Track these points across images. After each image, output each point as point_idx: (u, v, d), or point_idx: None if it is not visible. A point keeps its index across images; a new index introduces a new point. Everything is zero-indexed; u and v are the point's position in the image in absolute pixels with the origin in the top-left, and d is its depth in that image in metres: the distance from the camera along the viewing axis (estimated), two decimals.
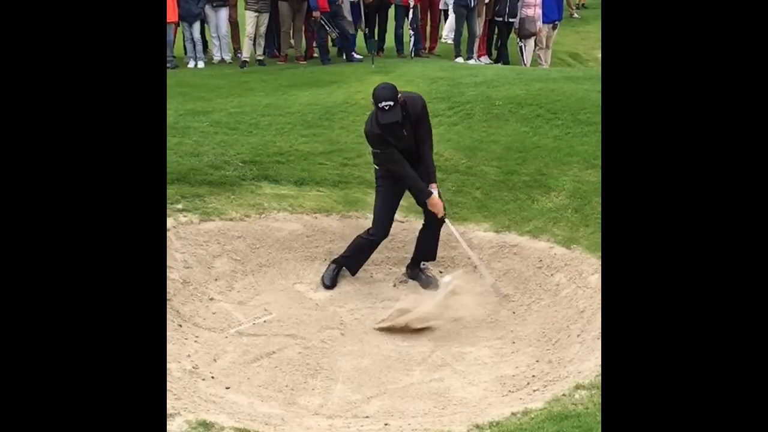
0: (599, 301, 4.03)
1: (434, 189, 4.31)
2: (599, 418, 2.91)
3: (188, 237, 4.61)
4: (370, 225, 4.55)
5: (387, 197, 4.45)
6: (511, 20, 9.96)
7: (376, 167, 4.42)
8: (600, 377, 3.29)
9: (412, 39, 9.81)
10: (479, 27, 10.00)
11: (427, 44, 10.48)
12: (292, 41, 9.87)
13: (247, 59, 9.30)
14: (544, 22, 10.19)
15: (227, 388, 3.55)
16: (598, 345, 3.64)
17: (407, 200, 4.67)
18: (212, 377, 3.63)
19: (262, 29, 9.28)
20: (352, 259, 4.64)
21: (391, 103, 4.01)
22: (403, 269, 4.76)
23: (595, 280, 4.25)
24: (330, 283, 4.60)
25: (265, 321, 4.22)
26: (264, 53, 9.48)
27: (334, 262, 4.67)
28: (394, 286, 4.69)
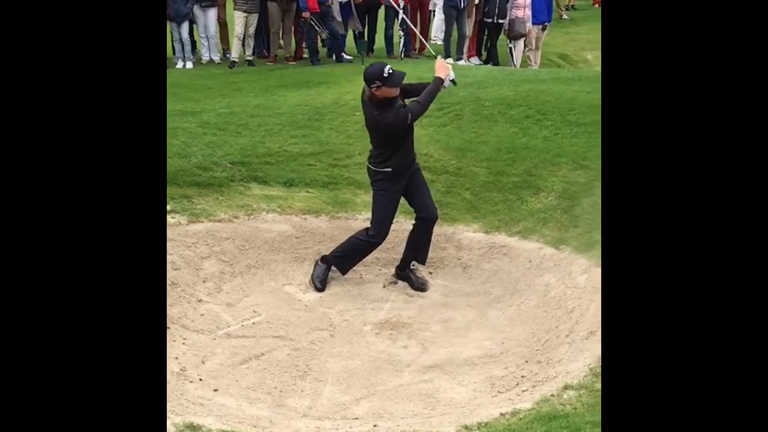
0: (588, 302, 4.04)
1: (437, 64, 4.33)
2: (587, 419, 2.92)
3: (176, 238, 4.58)
4: (368, 226, 4.52)
5: (391, 200, 4.43)
6: (500, 21, 9.99)
7: (387, 169, 4.32)
8: (588, 377, 3.31)
9: (402, 40, 9.82)
10: (469, 28, 10.02)
11: (417, 45, 10.48)
12: (281, 41, 9.85)
13: (236, 60, 9.28)
14: (533, 23, 10.23)
15: (215, 390, 3.53)
16: (586, 345, 3.65)
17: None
18: (200, 379, 3.61)
19: (251, 29, 9.26)
20: (345, 260, 4.62)
21: (390, 66, 4.14)
22: (393, 270, 4.75)
23: (584, 280, 4.26)
24: (322, 285, 4.58)
25: (253, 323, 4.20)
26: (253, 53, 9.45)
27: (323, 261, 4.64)
28: (384, 287, 4.68)
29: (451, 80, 4.31)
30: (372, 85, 4.13)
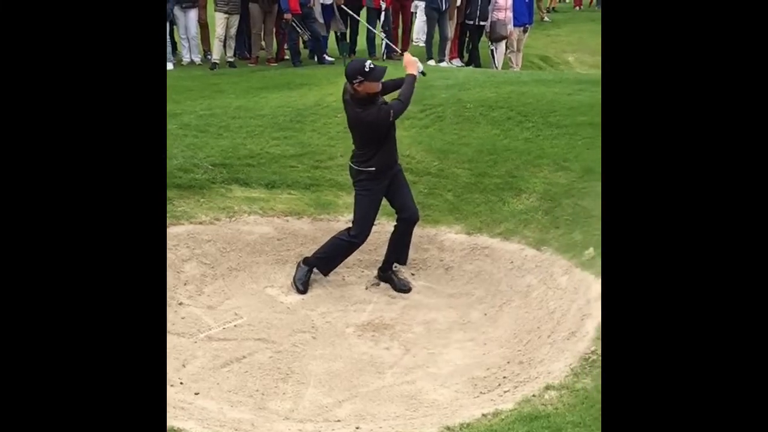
0: (569, 302, 4.07)
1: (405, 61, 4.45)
2: (568, 419, 2.94)
3: None
4: (350, 227, 4.51)
5: (373, 200, 4.43)
6: (481, 23, 10.04)
7: (370, 169, 4.31)
8: (569, 378, 3.32)
9: (384, 42, 9.82)
10: (450, 30, 10.06)
11: (399, 46, 10.50)
12: (263, 43, 9.81)
13: (218, 61, 9.22)
14: (515, 26, 10.29)
15: (196, 393, 3.51)
16: (568, 346, 3.67)
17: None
18: (181, 383, 3.58)
19: (233, 31, 9.20)
20: (327, 261, 4.61)
21: (371, 61, 4.21)
22: (375, 272, 4.75)
23: (565, 281, 4.28)
24: (304, 287, 4.56)
25: (235, 325, 4.17)
26: (234, 55, 9.41)
27: (305, 263, 4.62)
28: (366, 288, 4.68)
29: (420, 72, 4.43)
30: (354, 81, 4.13)
